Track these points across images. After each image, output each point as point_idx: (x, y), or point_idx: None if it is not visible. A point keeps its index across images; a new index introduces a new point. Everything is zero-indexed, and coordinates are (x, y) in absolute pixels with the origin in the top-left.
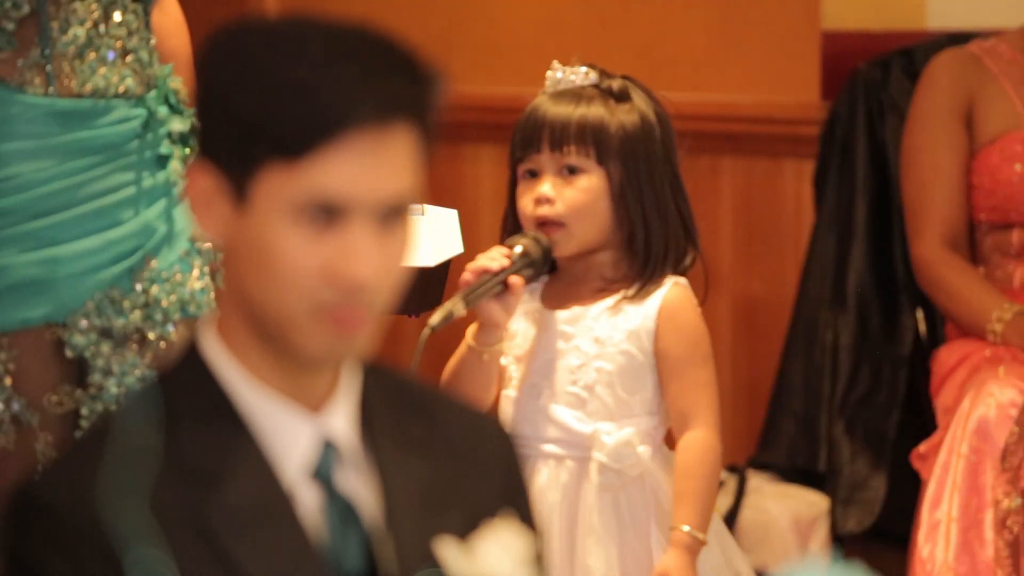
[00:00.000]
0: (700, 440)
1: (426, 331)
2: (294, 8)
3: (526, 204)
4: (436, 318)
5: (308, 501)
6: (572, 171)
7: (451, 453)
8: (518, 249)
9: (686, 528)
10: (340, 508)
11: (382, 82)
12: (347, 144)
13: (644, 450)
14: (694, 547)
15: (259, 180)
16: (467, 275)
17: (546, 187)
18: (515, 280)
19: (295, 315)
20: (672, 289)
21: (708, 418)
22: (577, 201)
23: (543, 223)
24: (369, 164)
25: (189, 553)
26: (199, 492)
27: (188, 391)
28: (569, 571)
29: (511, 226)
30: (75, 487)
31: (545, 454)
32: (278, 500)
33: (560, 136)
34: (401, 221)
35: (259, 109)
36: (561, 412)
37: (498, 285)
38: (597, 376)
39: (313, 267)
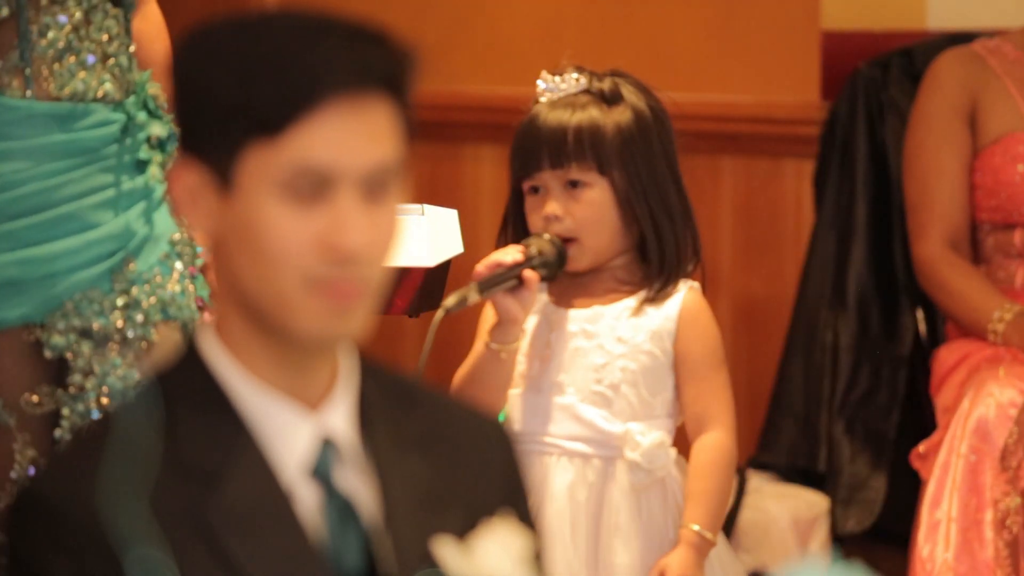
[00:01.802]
0: (716, 442)
1: (440, 313)
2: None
3: (536, 222)
4: (451, 300)
5: (307, 499)
6: (576, 185)
7: (450, 452)
8: (533, 249)
9: (695, 527)
10: (339, 506)
11: (355, 53)
12: (325, 113)
13: (673, 452)
14: (702, 547)
15: (243, 162)
16: (480, 268)
17: (553, 206)
18: (530, 275)
19: (290, 294)
20: (690, 293)
21: (725, 421)
22: (586, 215)
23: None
24: (349, 131)
25: (189, 552)
26: (198, 491)
27: (187, 390)
28: (594, 569)
29: (511, 237)
30: (75, 486)
31: (570, 452)
32: (277, 499)
33: (559, 152)
34: (387, 194)
35: (236, 90)
36: (587, 411)
37: (513, 279)
38: (622, 376)
39: (305, 241)
